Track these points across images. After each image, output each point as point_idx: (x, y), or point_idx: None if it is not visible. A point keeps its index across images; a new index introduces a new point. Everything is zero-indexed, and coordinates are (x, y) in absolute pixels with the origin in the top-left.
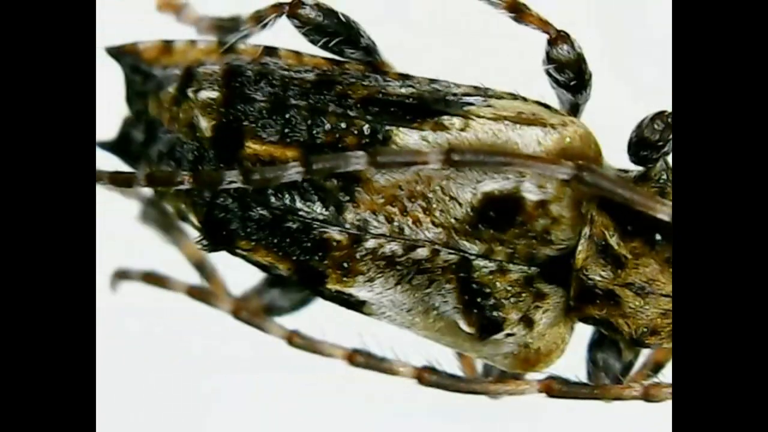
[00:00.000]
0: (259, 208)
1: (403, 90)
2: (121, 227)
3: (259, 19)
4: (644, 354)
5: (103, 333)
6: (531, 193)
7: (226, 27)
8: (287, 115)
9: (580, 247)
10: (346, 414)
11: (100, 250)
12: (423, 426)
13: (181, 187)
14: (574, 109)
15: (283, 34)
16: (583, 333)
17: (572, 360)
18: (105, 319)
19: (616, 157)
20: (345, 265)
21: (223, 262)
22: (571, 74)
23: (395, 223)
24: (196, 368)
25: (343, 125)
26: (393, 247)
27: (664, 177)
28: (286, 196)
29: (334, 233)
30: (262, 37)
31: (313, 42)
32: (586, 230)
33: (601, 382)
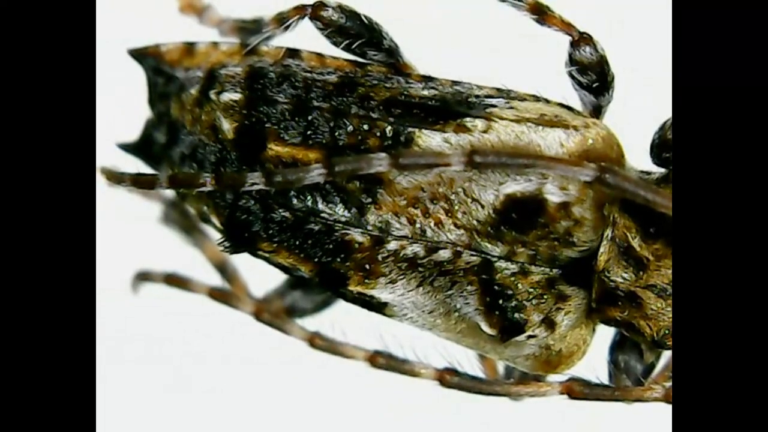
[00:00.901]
0: (281, 210)
1: (425, 92)
2: (121, 227)
3: (282, 20)
4: (666, 356)
5: (103, 333)
6: (553, 195)
7: (249, 29)
8: (310, 117)
9: (602, 249)
10: (347, 411)
11: (100, 251)
12: (422, 426)
13: (204, 189)
14: (597, 111)
15: (306, 36)
16: (604, 335)
17: (594, 362)
18: (105, 319)
19: (639, 159)
20: (367, 266)
21: (244, 263)
22: (594, 76)
23: (417, 225)
24: (197, 367)
25: (366, 127)
26: (415, 248)
27: None
28: (309, 197)
29: (356, 235)
30: (285, 39)
31: (336, 44)
32: (608, 232)
33: (623, 384)
